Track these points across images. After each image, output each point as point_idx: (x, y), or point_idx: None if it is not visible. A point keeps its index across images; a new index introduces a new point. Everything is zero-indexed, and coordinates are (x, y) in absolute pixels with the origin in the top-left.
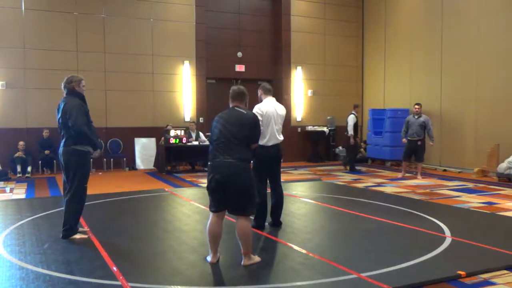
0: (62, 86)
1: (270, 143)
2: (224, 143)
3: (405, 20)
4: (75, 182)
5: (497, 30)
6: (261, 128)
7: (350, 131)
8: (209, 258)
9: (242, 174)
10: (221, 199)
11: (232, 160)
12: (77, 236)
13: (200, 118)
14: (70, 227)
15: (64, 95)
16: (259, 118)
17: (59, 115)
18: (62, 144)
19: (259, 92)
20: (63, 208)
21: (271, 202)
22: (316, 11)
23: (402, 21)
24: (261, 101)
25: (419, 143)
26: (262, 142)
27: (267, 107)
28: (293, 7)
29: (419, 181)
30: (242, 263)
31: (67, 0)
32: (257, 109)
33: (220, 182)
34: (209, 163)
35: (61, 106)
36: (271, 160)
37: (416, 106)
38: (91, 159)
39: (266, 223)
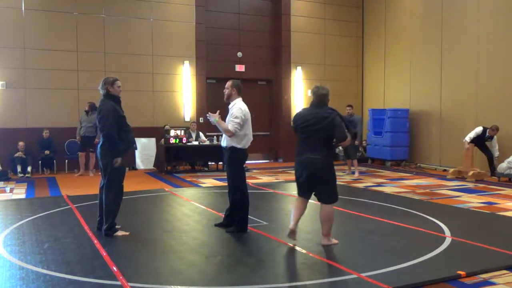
0: (99, 88)
1: (247, 146)
2: (310, 142)
3: (405, 20)
4: (112, 180)
5: (497, 30)
6: (242, 130)
7: None
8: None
9: (328, 169)
10: (309, 190)
11: (318, 157)
12: (119, 233)
13: (200, 118)
14: (111, 225)
15: (102, 97)
16: (241, 118)
17: (98, 116)
18: (99, 145)
19: (233, 90)
20: (97, 207)
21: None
22: (316, 11)
23: (402, 21)
24: (229, 99)
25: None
26: (241, 145)
27: (246, 108)
28: (293, 7)
29: (356, 176)
30: (322, 242)
31: (67, 0)
32: (239, 111)
33: (309, 178)
34: (296, 157)
35: (98, 109)
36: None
37: (347, 108)
38: (127, 157)
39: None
